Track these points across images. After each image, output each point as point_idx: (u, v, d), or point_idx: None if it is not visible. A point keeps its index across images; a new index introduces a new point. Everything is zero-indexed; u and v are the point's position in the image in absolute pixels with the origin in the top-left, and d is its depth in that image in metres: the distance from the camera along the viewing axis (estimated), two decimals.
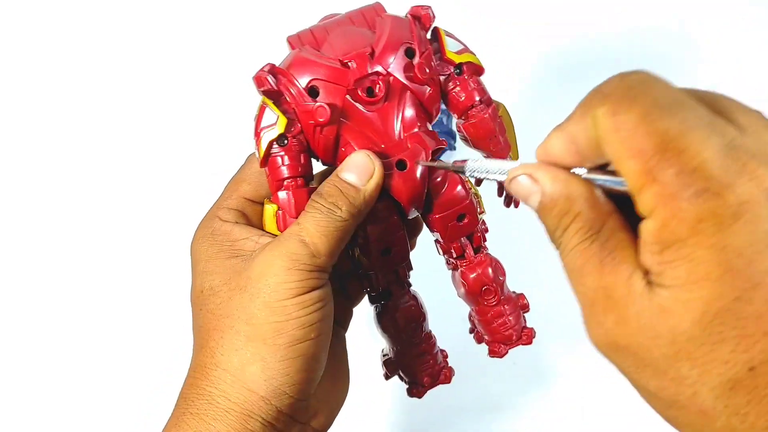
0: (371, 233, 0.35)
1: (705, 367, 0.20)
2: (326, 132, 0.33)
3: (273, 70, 0.33)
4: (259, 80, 0.33)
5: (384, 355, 0.41)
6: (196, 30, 0.71)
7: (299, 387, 0.31)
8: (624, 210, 0.22)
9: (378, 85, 0.33)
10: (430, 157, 0.34)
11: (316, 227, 0.31)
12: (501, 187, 0.38)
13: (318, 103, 0.32)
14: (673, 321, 0.20)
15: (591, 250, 0.22)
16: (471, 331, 0.43)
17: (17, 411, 0.58)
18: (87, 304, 0.61)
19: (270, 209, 0.33)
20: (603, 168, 0.22)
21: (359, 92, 0.33)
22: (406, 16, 0.35)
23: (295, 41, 0.34)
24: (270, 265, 0.30)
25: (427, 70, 0.33)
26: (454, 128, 0.38)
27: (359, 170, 0.32)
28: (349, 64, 0.33)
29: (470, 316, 0.42)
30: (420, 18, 0.35)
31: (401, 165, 0.33)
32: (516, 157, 0.38)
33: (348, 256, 0.37)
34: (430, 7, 0.35)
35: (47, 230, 0.64)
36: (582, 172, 0.22)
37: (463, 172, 0.29)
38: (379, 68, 0.33)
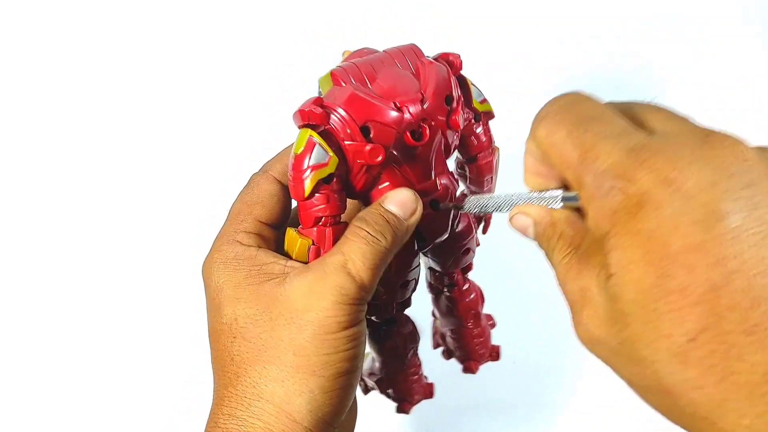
0: (394, 266, 0.36)
1: (654, 344, 0.21)
2: (372, 171, 0.33)
3: (322, 104, 0.32)
4: (311, 116, 0.32)
5: (371, 374, 0.43)
6: (200, 35, 0.71)
7: (337, 417, 0.31)
8: None
9: (426, 131, 0.33)
10: (454, 199, 0.36)
11: (363, 259, 0.31)
12: (479, 219, 0.42)
13: (372, 144, 0.32)
14: (620, 305, 0.22)
15: (572, 261, 0.25)
16: (436, 346, 0.46)
17: (21, 415, 0.58)
18: (93, 310, 0.61)
19: (303, 242, 0.33)
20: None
21: (407, 135, 0.33)
22: (437, 60, 0.35)
23: (342, 75, 0.33)
24: (319, 298, 0.30)
25: (462, 119, 0.35)
26: None
27: (404, 205, 0.33)
28: (404, 108, 0.32)
29: (440, 335, 0.45)
30: (452, 65, 0.35)
31: (435, 205, 0.35)
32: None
33: None
34: (458, 54, 0.36)
35: (50, 234, 0.64)
36: (559, 193, 0.26)
37: (462, 208, 0.33)
38: (426, 115, 0.33)
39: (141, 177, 0.66)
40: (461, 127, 0.35)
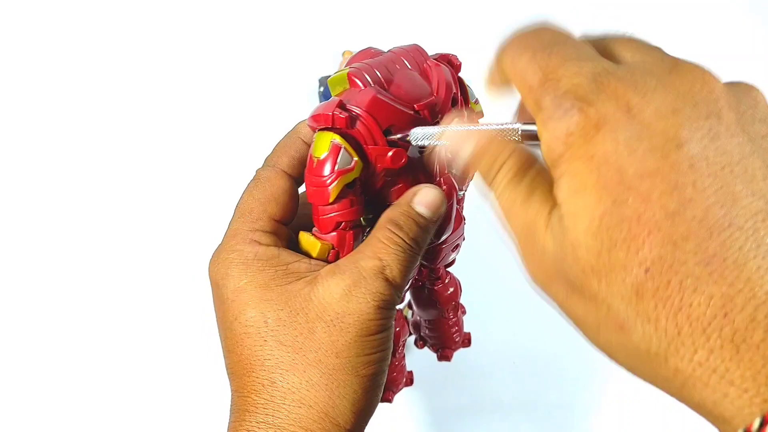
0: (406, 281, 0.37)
1: (609, 276, 0.20)
2: (391, 173, 0.33)
3: (345, 107, 0.31)
4: (335, 119, 0.31)
5: None
6: (200, 31, 0.71)
7: (372, 413, 0.31)
8: None
9: None
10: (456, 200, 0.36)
11: (399, 265, 0.31)
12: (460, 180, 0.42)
13: (395, 149, 0.32)
14: (571, 236, 0.21)
15: (518, 191, 0.24)
16: (416, 341, 0.47)
17: (21, 415, 0.58)
18: (93, 307, 0.61)
19: (324, 246, 0.32)
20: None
21: None
22: (438, 60, 0.35)
23: (360, 77, 0.32)
24: (360, 302, 0.30)
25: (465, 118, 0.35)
26: None
27: (434, 207, 0.32)
28: (422, 113, 0.32)
29: (413, 324, 0.46)
30: (453, 66, 0.35)
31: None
32: None
33: None
34: (456, 56, 0.35)
35: (49, 234, 0.64)
36: (518, 126, 0.25)
37: (409, 141, 0.31)
38: (439, 116, 0.33)
39: (140, 176, 0.66)
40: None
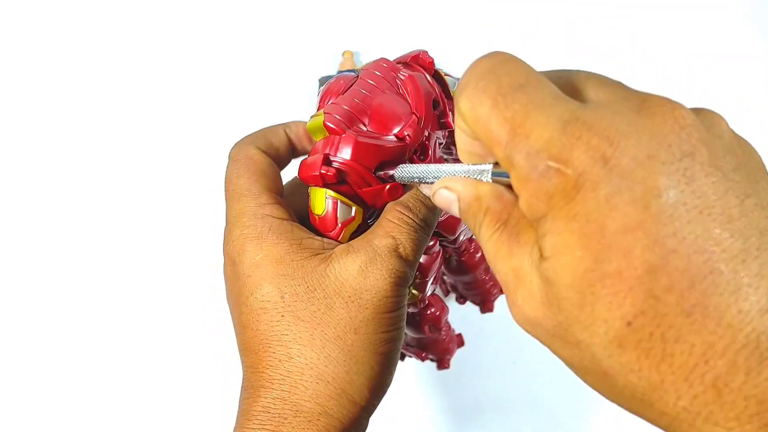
0: (426, 270, 0.37)
1: (592, 328, 0.20)
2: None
3: (330, 162, 0.32)
4: (325, 177, 0.31)
5: (406, 345, 0.45)
6: (200, 35, 0.71)
7: (386, 390, 0.32)
8: None
9: (429, 147, 0.34)
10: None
11: (411, 243, 0.31)
12: None
13: (391, 184, 0.32)
14: (555, 289, 0.21)
15: (501, 238, 0.24)
16: (457, 298, 0.49)
17: (23, 415, 0.58)
18: (92, 301, 0.61)
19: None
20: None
21: (414, 157, 0.33)
22: (408, 64, 0.35)
23: (336, 123, 0.32)
24: (377, 279, 0.30)
25: (452, 116, 0.34)
26: None
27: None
28: (404, 137, 0.32)
29: (449, 285, 0.47)
30: (424, 67, 0.35)
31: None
32: None
33: None
34: (426, 52, 0.35)
35: (53, 233, 0.64)
36: (489, 167, 0.25)
37: (394, 177, 0.32)
38: (426, 131, 0.33)
39: (140, 175, 0.66)
40: (452, 125, 0.34)
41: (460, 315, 0.44)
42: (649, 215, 0.19)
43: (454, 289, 0.47)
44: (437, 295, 0.42)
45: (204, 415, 0.58)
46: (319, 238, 0.32)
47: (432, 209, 0.33)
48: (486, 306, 0.47)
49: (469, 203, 0.25)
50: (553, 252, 0.21)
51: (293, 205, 0.34)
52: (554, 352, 0.23)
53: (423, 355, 0.46)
